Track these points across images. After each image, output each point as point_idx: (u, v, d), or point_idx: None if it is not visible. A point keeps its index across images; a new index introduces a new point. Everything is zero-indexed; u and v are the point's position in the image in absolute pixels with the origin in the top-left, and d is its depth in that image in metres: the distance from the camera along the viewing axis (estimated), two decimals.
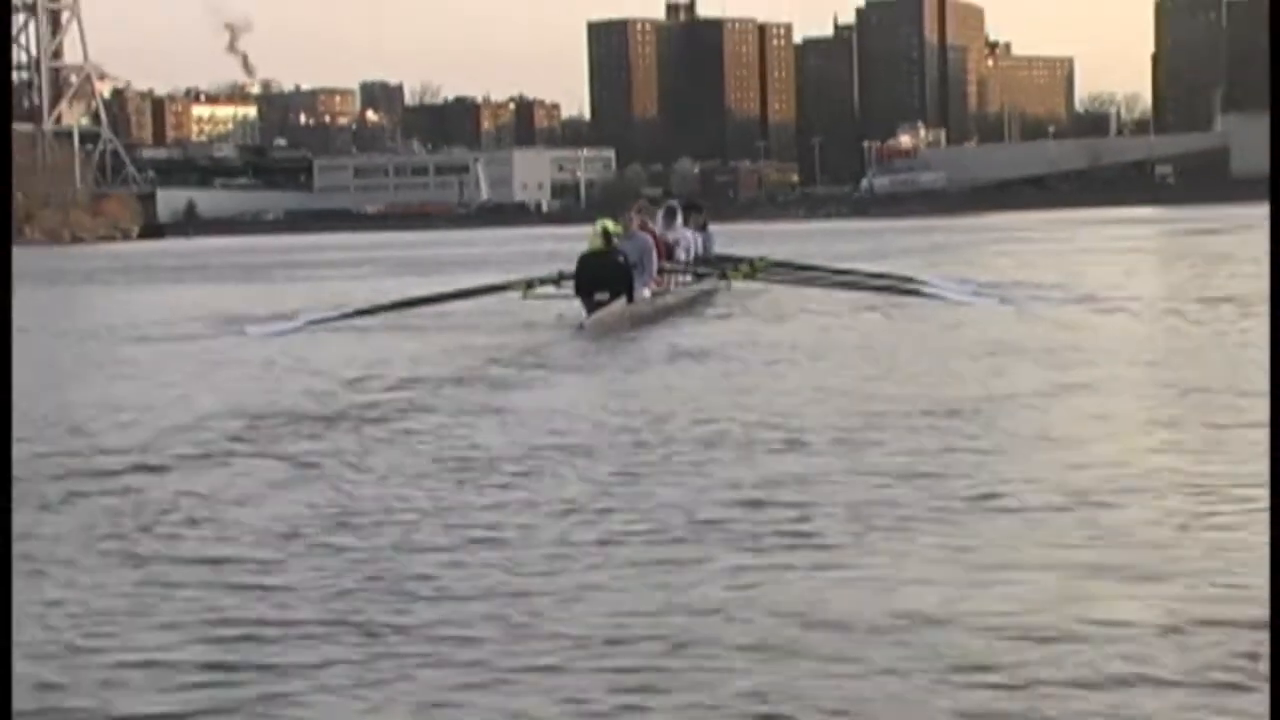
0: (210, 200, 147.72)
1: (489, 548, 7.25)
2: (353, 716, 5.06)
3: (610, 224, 21.30)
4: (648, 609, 6.13)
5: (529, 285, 22.27)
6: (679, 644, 5.64)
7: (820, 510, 7.85)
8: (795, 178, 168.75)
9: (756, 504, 8.04)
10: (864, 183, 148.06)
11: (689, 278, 23.87)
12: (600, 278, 20.17)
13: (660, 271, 21.99)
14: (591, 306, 19.78)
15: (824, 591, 6.33)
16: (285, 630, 6.00)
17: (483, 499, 8.53)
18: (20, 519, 8.12)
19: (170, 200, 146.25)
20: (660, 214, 24.43)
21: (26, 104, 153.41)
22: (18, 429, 11.61)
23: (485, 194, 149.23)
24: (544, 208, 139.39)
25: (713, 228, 29.81)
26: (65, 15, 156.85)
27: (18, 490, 8.81)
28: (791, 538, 7.29)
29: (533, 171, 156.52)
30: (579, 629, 5.87)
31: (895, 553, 7.03)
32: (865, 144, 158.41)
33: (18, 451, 10.38)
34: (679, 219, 24.56)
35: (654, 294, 21.34)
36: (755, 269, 25.51)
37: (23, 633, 6.23)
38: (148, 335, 21.62)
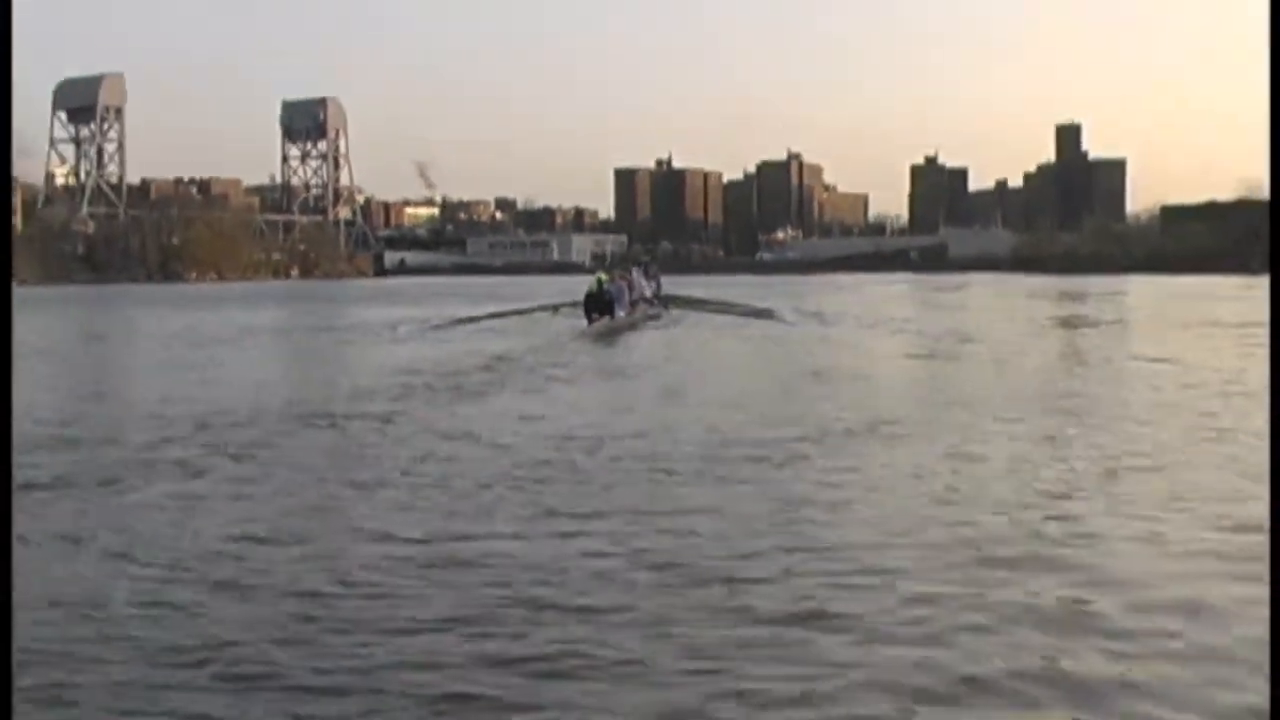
0: (413, 258, 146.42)
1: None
2: None
3: (603, 276, 20.49)
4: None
5: (556, 308, 21.59)
6: None
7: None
8: (721, 253, 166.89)
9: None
10: (758, 256, 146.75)
11: (646, 307, 22.89)
12: (596, 305, 19.50)
13: (630, 303, 21.06)
14: (591, 321, 19.01)
15: None
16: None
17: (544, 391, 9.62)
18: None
19: (392, 258, 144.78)
20: (631, 271, 23.34)
21: (322, 205, 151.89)
22: (310, 376, 11.74)
23: (556, 257, 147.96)
24: (586, 265, 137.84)
25: (672, 279, 28.68)
26: (341, 160, 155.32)
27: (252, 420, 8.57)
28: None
29: (582, 246, 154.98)
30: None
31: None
32: (760, 236, 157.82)
33: (307, 388, 11.21)
34: (634, 274, 23.35)
35: (626, 315, 20.45)
36: (682, 303, 24.60)
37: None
38: (357, 333, 20.88)
